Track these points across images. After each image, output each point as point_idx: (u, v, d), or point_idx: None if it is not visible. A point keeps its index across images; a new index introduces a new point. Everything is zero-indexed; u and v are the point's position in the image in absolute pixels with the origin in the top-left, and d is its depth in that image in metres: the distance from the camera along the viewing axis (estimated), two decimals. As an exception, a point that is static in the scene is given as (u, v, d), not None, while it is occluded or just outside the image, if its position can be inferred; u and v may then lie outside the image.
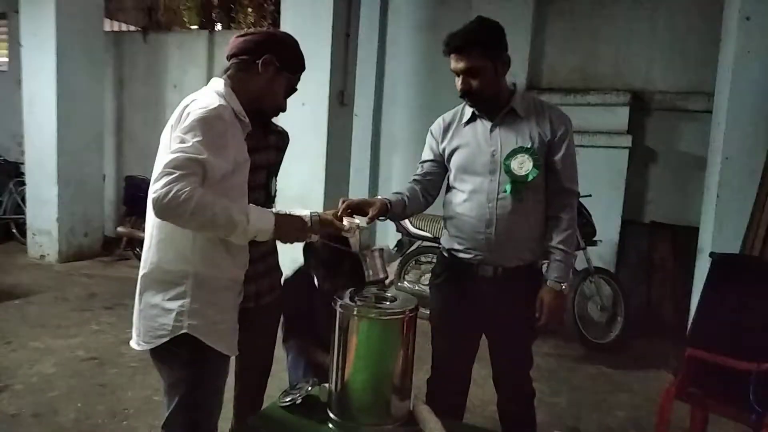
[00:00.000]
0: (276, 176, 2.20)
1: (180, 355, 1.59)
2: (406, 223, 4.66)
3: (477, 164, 2.09)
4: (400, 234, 4.84)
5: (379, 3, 5.82)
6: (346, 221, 1.85)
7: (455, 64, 2.02)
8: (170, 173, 1.37)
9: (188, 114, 1.49)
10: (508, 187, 2.02)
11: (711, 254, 2.57)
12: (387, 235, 5.61)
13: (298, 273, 2.41)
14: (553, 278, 2.07)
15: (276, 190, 2.14)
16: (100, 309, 4.56)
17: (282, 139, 2.22)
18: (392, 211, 2.06)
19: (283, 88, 1.70)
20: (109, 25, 7.27)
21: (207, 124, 1.46)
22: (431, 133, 2.25)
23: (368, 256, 1.90)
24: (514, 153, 2.02)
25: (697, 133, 4.67)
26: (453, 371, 2.29)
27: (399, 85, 5.84)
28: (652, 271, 4.86)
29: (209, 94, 1.58)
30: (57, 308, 4.56)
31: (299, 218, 1.67)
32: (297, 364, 2.32)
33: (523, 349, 2.23)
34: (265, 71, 1.63)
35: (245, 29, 2.01)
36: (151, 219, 1.59)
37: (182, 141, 1.43)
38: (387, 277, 1.95)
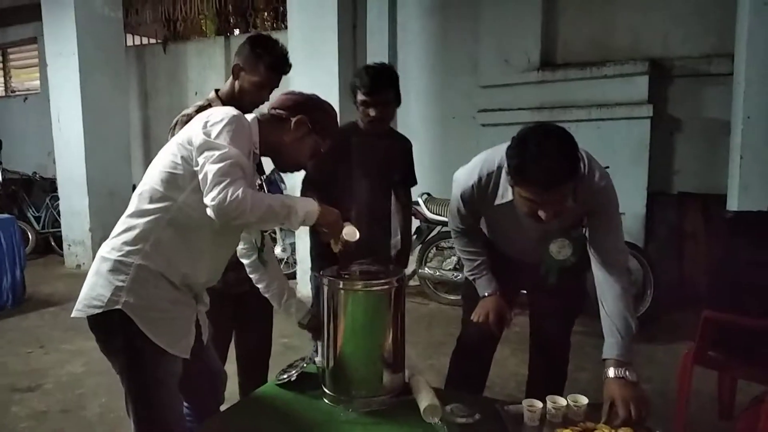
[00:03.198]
0: (262, 175, 2.26)
1: (115, 341, 1.57)
2: (423, 208, 4.63)
3: (516, 248, 2.07)
4: (418, 221, 4.80)
5: (387, -8, 5.80)
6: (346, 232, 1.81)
7: (537, 196, 1.63)
8: (221, 181, 1.45)
9: (214, 119, 1.53)
10: (546, 266, 1.97)
11: (726, 212, 2.46)
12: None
13: None
14: (612, 363, 1.69)
15: (263, 185, 2.19)
16: (131, 312, 4.69)
17: None
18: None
19: (309, 149, 1.75)
20: (130, 40, 7.49)
21: (237, 126, 1.54)
22: (462, 202, 1.98)
23: None
24: (553, 237, 1.93)
25: (723, 98, 4.44)
26: (482, 344, 2.25)
27: (412, 72, 5.80)
28: (683, 243, 4.69)
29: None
30: (89, 313, 4.70)
31: (337, 213, 1.71)
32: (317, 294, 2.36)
33: (564, 327, 2.21)
34: (296, 130, 1.70)
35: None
36: (129, 209, 1.62)
37: (218, 147, 1.48)
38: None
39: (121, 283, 1.52)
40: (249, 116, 1.68)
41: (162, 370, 1.60)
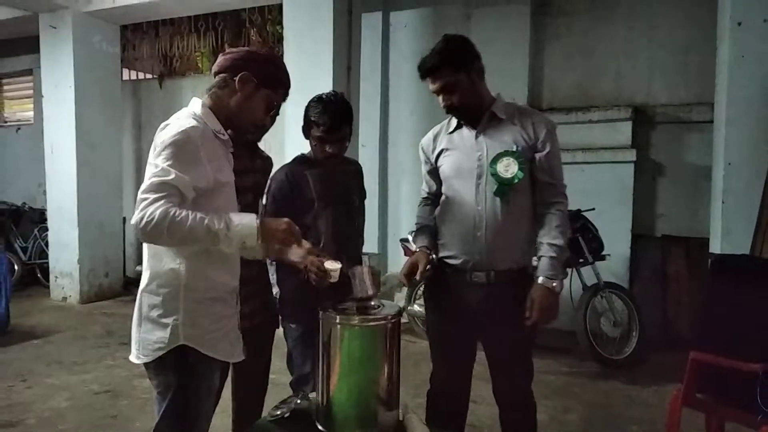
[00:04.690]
0: (262, 198, 2.28)
1: (169, 360, 1.62)
2: (413, 246, 4.66)
3: (464, 169, 2.14)
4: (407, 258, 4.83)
5: (381, 37, 5.97)
6: (328, 264, 2.01)
7: (432, 86, 2.10)
8: (144, 199, 1.46)
9: (160, 141, 1.55)
10: (496, 190, 2.06)
11: (710, 254, 2.53)
12: (398, 260, 5.62)
13: None
14: (543, 275, 2.05)
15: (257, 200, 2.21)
16: (117, 345, 4.64)
17: (267, 163, 2.32)
18: (432, 252, 2.22)
19: (262, 104, 1.70)
20: (127, 75, 7.58)
21: (175, 146, 1.52)
22: (421, 147, 2.33)
23: (356, 274, 1.91)
24: (499, 156, 2.06)
25: (703, 144, 4.61)
26: (451, 381, 2.27)
27: (403, 114, 5.94)
28: (667, 285, 4.76)
29: (182, 117, 1.63)
30: (74, 346, 4.65)
31: (286, 221, 1.66)
32: (296, 346, 2.37)
33: (521, 357, 2.20)
34: (242, 88, 1.66)
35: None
36: (152, 248, 1.65)
37: (154, 166, 1.51)
38: (375, 294, 1.95)
39: (175, 322, 1.60)
40: (195, 101, 1.68)
41: (209, 381, 1.70)
